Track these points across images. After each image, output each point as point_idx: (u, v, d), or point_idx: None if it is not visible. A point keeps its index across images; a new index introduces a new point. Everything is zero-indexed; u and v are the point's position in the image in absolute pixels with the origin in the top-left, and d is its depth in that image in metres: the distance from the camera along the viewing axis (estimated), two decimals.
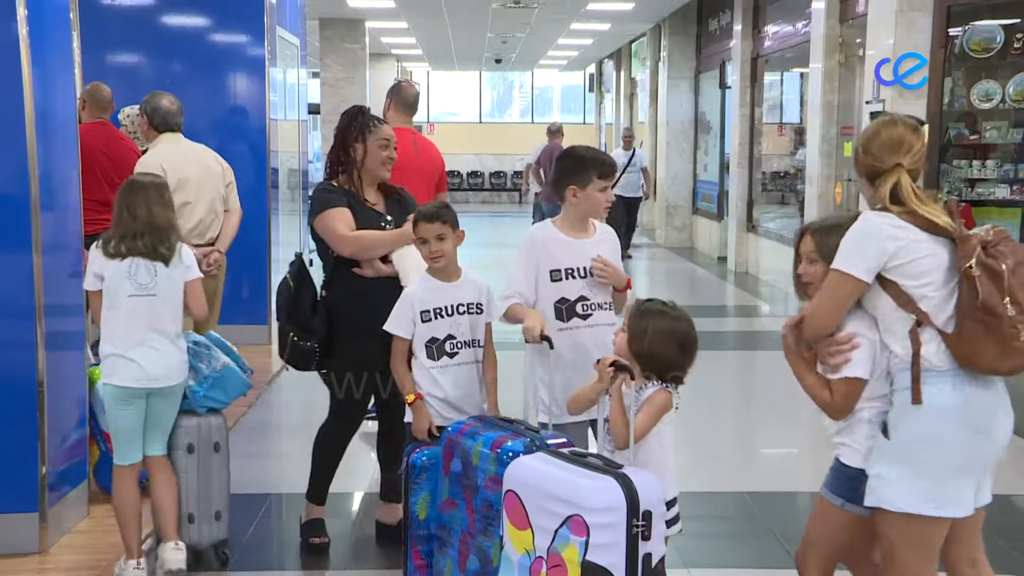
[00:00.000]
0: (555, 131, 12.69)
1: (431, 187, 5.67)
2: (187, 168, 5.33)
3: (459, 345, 3.49)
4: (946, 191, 8.04)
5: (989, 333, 2.48)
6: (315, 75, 17.81)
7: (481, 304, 3.56)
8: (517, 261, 3.43)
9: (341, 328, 3.82)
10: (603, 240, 3.50)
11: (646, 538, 2.51)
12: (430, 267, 3.53)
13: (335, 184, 3.89)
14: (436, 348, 3.47)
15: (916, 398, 2.56)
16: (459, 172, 26.52)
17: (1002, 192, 7.94)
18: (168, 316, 3.68)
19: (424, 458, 3.32)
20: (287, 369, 4.03)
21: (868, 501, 2.63)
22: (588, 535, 2.47)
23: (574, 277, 3.39)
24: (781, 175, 13.18)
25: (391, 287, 3.71)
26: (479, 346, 3.55)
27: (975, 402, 2.57)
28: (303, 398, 6.34)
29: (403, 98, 5.55)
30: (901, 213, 2.61)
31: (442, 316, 3.48)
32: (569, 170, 3.42)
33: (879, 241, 2.57)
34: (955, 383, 2.56)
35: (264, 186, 7.86)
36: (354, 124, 3.86)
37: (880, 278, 2.61)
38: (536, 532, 2.60)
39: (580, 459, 2.67)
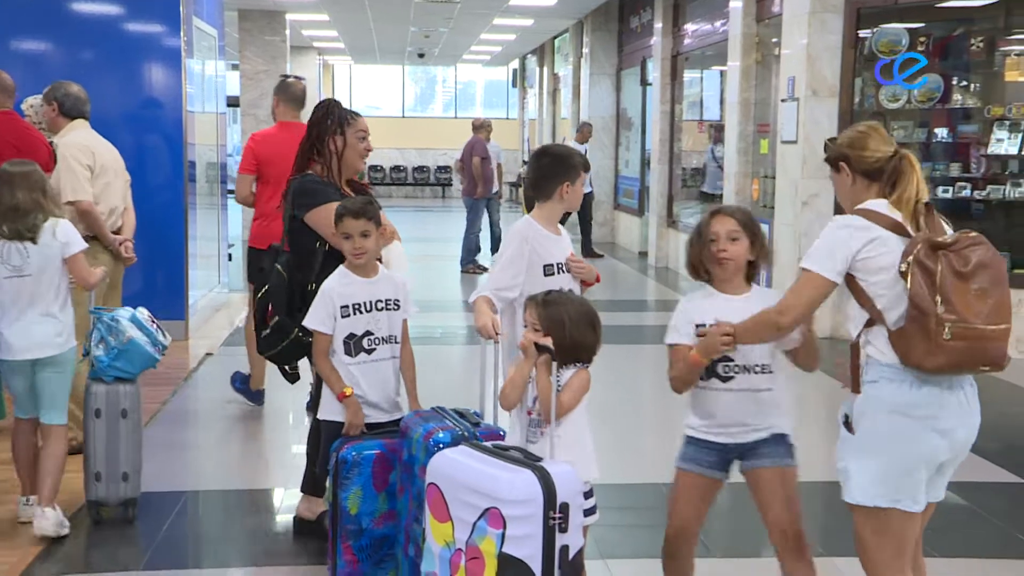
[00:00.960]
0: (479, 126, 12.69)
1: None
2: (107, 153, 5.27)
3: (377, 341, 3.50)
4: None
5: (919, 329, 2.51)
6: (234, 67, 17.51)
7: (398, 300, 3.57)
8: (503, 255, 3.42)
9: None
10: (566, 236, 3.59)
11: (563, 530, 2.52)
12: (350, 263, 3.52)
13: (318, 176, 3.86)
14: (354, 344, 3.47)
15: (854, 387, 2.66)
16: (382, 167, 26.38)
17: None
18: (47, 292, 3.95)
19: (354, 453, 3.32)
20: (266, 346, 3.93)
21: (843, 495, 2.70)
22: (505, 527, 2.48)
23: (562, 272, 3.45)
24: (700, 171, 13.39)
25: None
26: (396, 342, 3.56)
27: (934, 401, 2.60)
28: (220, 395, 6.25)
29: (291, 94, 5.72)
30: (866, 213, 2.69)
31: (360, 312, 3.47)
32: (558, 168, 3.47)
33: (846, 241, 2.66)
34: (913, 380, 2.60)
35: (181, 179, 7.72)
36: (331, 116, 3.87)
37: (848, 278, 2.69)
38: (456, 524, 2.61)
39: (501, 452, 2.68)
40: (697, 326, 2.95)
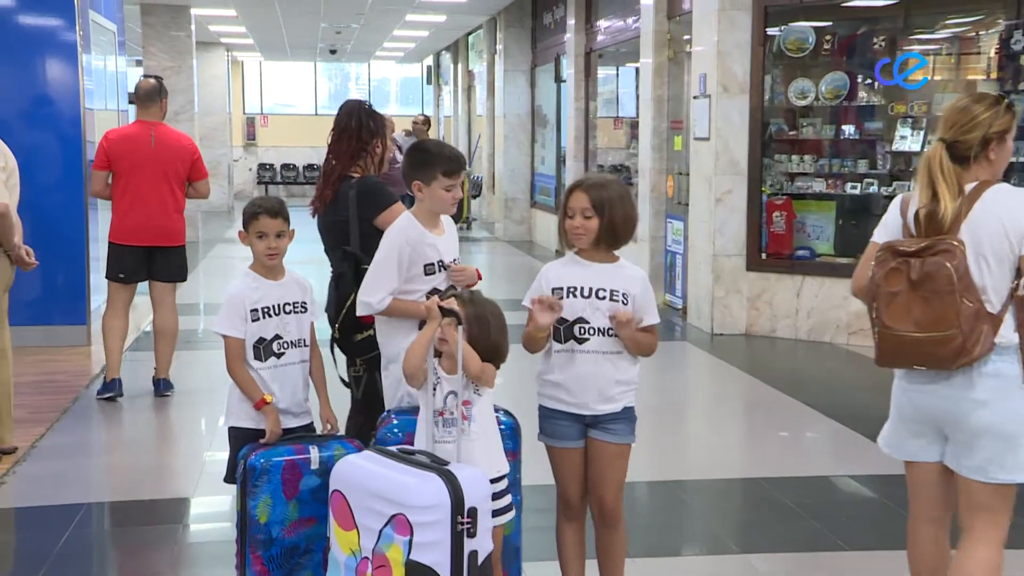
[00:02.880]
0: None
1: (175, 177, 6.16)
2: (9, 153, 5.05)
3: (286, 345, 3.45)
4: (769, 184, 8.41)
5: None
6: (139, 63, 17.07)
7: (306, 303, 3.53)
8: (386, 256, 3.36)
9: None
10: (450, 234, 3.53)
11: (471, 535, 2.50)
12: (259, 264, 3.45)
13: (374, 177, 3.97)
14: (264, 348, 3.41)
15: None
16: (295, 166, 26.03)
17: (818, 186, 8.36)
18: None
19: (263, 460, 3.24)
20: None
21: None
22: (412, 534, 2.45)
23: (442, 269, 3.43)
24: (618, 168, 13.48)
25: None
26: (305, 346, 3.52)
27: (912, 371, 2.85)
28: (126, 402, 6.07)
29: (138, 94, 6.20)
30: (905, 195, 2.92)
31: (270, 315, 3.42)
32: (416, 164, 3.42)
33: (890, 210, 2.94)
34: None
35: (80, 178, 7.48)
36: (370, 120, 4.03)
37: None
38: (361, 532, 2.57)
39: (407, 457, 2.64)
40: (554, 290, 3.12)
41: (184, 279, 6.30)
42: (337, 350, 3.82)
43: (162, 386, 6.19)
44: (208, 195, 6.42)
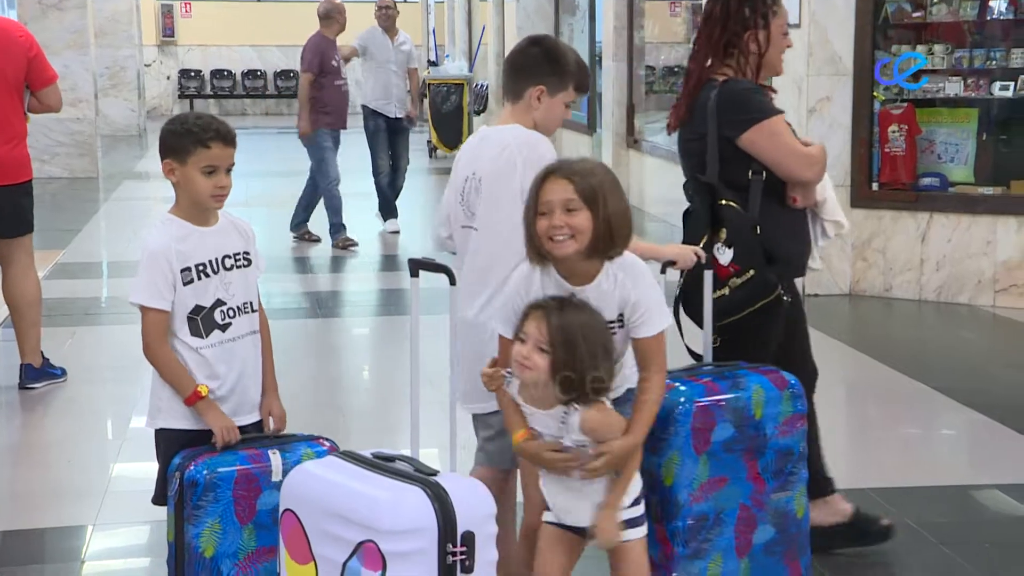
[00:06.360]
0: (323, 15, 10.90)
1: (2, 87, 5.88)
2: None
3: (232, 313, 3.48)
4: (883, 88, 8.35)
5: None
6: None
7: (248, 254, 3.56)
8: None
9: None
10: None
11: (467, 570, 2.53)
12: (199, 205, 3.46)
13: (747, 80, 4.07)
14: (203, 320, 3.43)
15: None
16: (231, 72, 26.06)
17: (953, 88, 8.29)
18: None
19: (206, 472, 3.25)
20: None
21: None
22: (385, 568, 2.47)
23: None
24: (675, 70, 13.41)
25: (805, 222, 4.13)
26: (253, 311, 3.55)
27: None
28: (3, 397, 6.11)
29: None
30: None
31: (207, 274, 3.44)
32: (547, 62, 3.62)
33: None
34: None
35: None
36: (749, 4, 4.11)
37: None
38: (320, 566, 2.60)
39: (382, 464, 2.66)
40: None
41: (28, 230, 6.16)
42: (683, 315, 3.96)
43: (28, 375, 6.19)
44: (59, 107, 6.28)
